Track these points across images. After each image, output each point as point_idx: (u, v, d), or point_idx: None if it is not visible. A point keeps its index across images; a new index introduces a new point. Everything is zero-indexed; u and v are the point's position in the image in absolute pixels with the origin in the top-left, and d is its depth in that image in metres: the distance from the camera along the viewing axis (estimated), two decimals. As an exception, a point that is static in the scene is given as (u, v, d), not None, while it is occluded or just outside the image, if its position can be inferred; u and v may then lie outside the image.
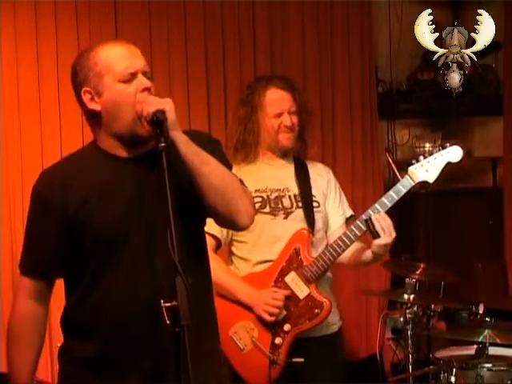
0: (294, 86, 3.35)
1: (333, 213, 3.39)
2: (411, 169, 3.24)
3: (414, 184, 3.22)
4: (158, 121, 2.10)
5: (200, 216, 2.32)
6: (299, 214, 3.28)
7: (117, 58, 2.20)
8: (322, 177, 3.41)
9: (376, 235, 3.15)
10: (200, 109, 4.83)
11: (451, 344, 4.01)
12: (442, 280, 4.47)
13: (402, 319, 3.99)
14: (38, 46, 4.52)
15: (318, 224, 3.31)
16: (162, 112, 2.11)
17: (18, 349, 2.29)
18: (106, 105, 2.20)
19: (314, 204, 3.31)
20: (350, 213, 3.45)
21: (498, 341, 3.59)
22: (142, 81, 2.19)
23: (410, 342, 3.85)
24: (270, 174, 3.32)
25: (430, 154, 3.24)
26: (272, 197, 3.27)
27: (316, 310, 3.19)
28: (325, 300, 3.20)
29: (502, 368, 3.52)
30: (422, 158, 3.24)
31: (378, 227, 3.13)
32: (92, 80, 2.20)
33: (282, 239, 3.24)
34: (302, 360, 3.12)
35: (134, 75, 2.19)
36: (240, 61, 4.94)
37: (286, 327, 3.19)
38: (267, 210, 3.26)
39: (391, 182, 5.34)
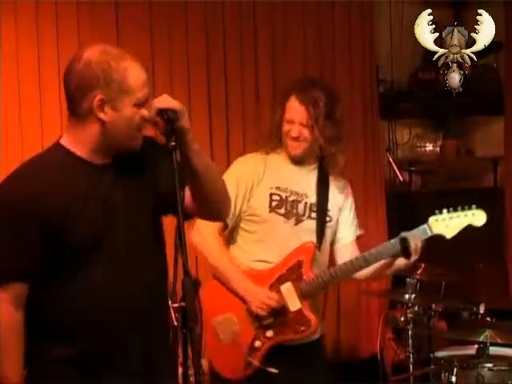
0: (322, 101, 3.23)
1: (345, 228, 3.37)
2: (433, 219, 3.22)
3: (430, 235, 3.21)
4: (168, 119, 2.16)
5: (165, 213, 2.42)
6: (310, 224, 3.27)
7: (141, 82, 2.22)
8: (340, 190, 3.38)
9: (407, 256, 3.18)
10: (201, 109, 4.84)
11: (452, 344, 4.01)
12: (442, 280, 4.47)
13: (402, 319, 4.00)
14: (39, 47, 4.53)
15: (326, 238, 3.31)
16: (174, 111, 2.17)
17: (9, 358, 2.27)
18: (115, 120, 2.22)
19: (327, 218, 3.31)
20: (360, 232, 3.43)
21: (499, 340, 3.60)
22: (149, 110, 2.24)
23: (410, 341, 3.86)
24: (294, 175, 3.31)
25: (455, 209, 3.22)
26: (290, 199, 3.26)
27: (302, 327, 3.19)
28: (313, 319, 3.20)
29: (502, 368, 3.52)
30: (445, 211, 3.22)
31: (412, 247, 3.15)
32: (113, 93, 2.19)
33: (288, 244, 3.23)
34: (275, 371, 3.10)
35: (147, 101, 2.24)
36: (241, 61, 4.95)
37: (269, 333, 3.19)
38: (282, 211, 3.25)
39: (392, 182, 5.36)
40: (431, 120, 5.82)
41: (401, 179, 5.25)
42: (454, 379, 3.53)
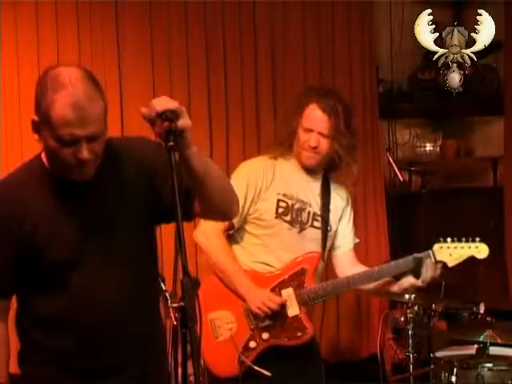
0: (341, 110, 3.22)
1: (345, 235, 3.39)
2: (437, 246, 3.25)
3: (433, 261, 3.23)
4: (167, 119, 2.12)
5: (158, 220, 2.38)
6: (312, 233, 3.29)
7: (62, 120, 2.08)
8: (341, 198, 3.39)
9: (417, 275, 3.22)
10: (201, 108, 4.84)
11: (452, 344, 4.01)
12: (442, 280, 4.47)
13: (402, 319, 3.99)
14: (39, 47, 4.54)
15: (327, 248, 3.34)
16: (172, 112, 2.13)
17: None
18: (44, 145, 2.17)
19: (328, 228, 3.33)
20: (357, 240, 3.46)
21: (499, 340, 3.60)
22: (83, 152, 2.12)
23: (410, 341, 3.85)
24: (301, 183, 3.31)
25: (459, 240, 3.25)
26: (295, 207, 3.26)
27: (298, 333, 3.21)
28: (310, 327, 3.22)
29: (502, 368, 3.52)
30: (449, 239, 3.25)
31: (424, 272, 3.20)
32: (40, 117, 2.13)
33: (291, 251, 3.25)
34: (268, 374, 3.09)
35: (75, 141, 2.11)
36: (241, 61, 4.95)
37: (265, 336, 3.20)
38: (288, 218, 3.25)
39: (392, 182, 5.36)
40: (431, 120, 5.82)
41: (401, 179, 5.23)
42: (453, 379, 3.53)
